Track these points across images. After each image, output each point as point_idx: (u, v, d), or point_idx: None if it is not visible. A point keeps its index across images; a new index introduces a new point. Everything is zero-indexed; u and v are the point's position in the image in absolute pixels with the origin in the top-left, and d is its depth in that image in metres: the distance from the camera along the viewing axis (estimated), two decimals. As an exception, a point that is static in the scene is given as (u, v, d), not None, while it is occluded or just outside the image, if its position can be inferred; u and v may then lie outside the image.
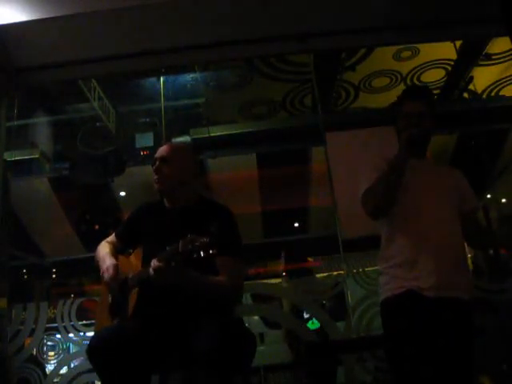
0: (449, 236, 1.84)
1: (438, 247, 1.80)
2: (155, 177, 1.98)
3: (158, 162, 1.98)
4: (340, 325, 2.98)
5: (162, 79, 4.13)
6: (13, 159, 4.05)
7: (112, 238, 2.12)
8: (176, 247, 1.58)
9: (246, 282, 3.07)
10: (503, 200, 7.62)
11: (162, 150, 2.03)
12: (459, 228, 1.90)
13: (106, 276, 1.85)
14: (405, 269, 1.81)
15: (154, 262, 1.64)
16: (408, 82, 5.63)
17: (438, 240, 1.81)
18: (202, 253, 1.53)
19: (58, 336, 3.14)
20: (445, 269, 1.77)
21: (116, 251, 2.06)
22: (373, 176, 1.90)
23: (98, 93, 5.20)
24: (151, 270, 1.65)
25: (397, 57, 5.08)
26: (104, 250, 2.03)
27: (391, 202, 1.85)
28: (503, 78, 5.70)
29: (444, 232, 1.83)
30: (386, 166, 1.88)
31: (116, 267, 1.86)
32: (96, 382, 3.09)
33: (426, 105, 1.96)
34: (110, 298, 1.91)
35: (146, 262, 1.77)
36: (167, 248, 1.65)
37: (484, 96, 5.93)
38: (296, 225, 9.14)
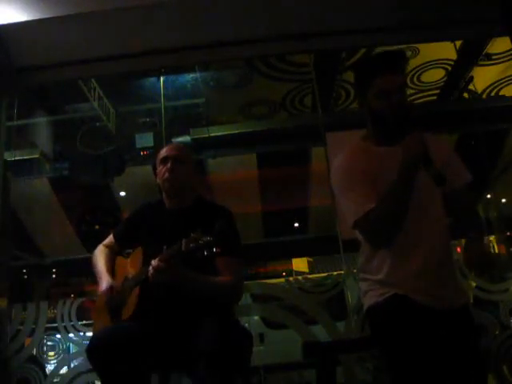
0: (436, 236, 1.58)
1: (424, 252, 1.55)
2: (167, 175, 1.94)
3: (171, 162, 1.95)
4: (340, 325, 2.97)
5: (162, 79, 4.12)
6: (13, 159, 4.04)
7: (110, 239, 2.11)
8: (179, 246, 1.58)
9: (245, 282, 3.07)
10: (503, 200, 7.63)
11: (173, 150, 2.00)
12: (446, 226, 1.63)
13: (106, 298, 1.87)
14: (388, 274, 1.56)
15: (155, 262, 1.64)
16: (408, 81, 5.63)
17: (423, 243, 1.55)
18: (205, 252, 1.53)
19: (58, 336, 3.13)
20: (431, 272, 1.54)
21: (113, 254, 2.06)
22: (357, 188, 1.56)
23: (98, 93, 5.20)
24: (151, 270, 1.65)
25: (397, 57, 5.06)
26: (100, 259, 2.02)
27: (404, 219, 1.51)
28: (503, 78, 5.70)
29: (430, 233, 1.57)
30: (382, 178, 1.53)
31: (111, 289, 1.87)
32: (96, 381, 3.09)
33: (404, 76, 1.63)
34: (109, 299, 1.91)
35: (146, 262, 1.76)
36: (164, 247, 1.65)
37: (484, 96, 5.93)
38: (296, 225, 9.15)
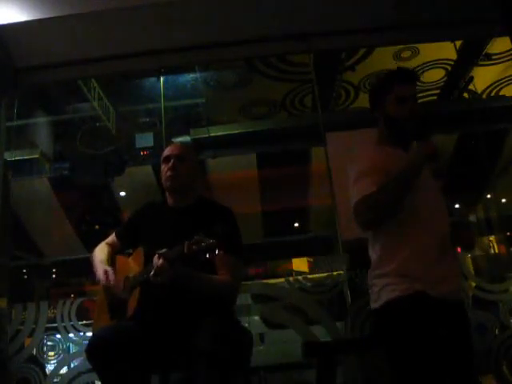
0: (446, 236, 1.74)
1: (440, 248, 1.68)
2: (169, 173, 1.96)
3: (173, 160, 1.97)
4: (340, 325, 2.97)
5: (162, 79, 4.12)
6: (13, 159, 4.04)
7: (112, 238, 2.12)
8: (181, 248, 1.58)
9: (245, 282, 3.07)
10: (503, 200, 7.62)
11: (175, 149, 2.03)
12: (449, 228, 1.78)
13: (102, 283, 1.87)
14: (408, 269, 1.65)
15: (157, 261, 1.64)
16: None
17: (438, 240, 1.69)
18: (208, 254, 1.53)
19: (58, 336, 3.14)
20: (447, 269, 1.68)
21: (115, 252, 2.06)
22: (369, 175, 1.69)
23: (98, 93, 5.20)
24: (154, 270, 1.64)
25: (397, 57, 5.07)
26: (99, 255, 2.03)
27: (398, 210, 1.65)
28: (503, 78, 5.69)
29: (442, 232, 1.73)
30: (392, 169, 1.65)
31: (106, 273, 1.87)
32: (96, 381, 3.09)
33: (416, 89, 1.82)
34: (109, 298, 1.91)
35: (148, 261, 1.76)
36: (165, 249, 1.64)
37: (484, 96, 5.93)
38: (296, 225, 9.14)
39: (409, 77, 1.84)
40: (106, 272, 1.87)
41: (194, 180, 2.03)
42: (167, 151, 2.03)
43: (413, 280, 1.63)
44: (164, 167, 1.99)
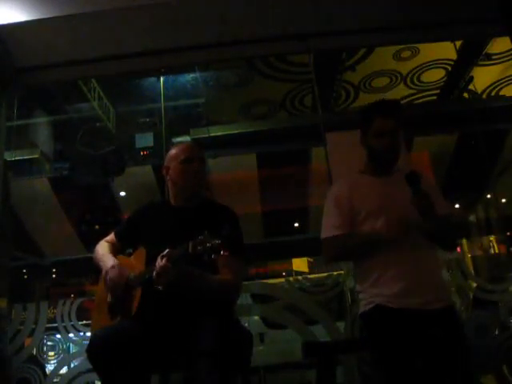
0: (416, 250, 1.81)
1: (403, 263, 1.79)
2: (197, 178, 1.94)
3: (198, 164, 1.94)
4: (340, 325, 2.97)
5: (162, 79, 4.13)
6: (13, 159, 4.04)
7: (111, 237, 2.11)
8: (186, 248, 1.57)
9: (245, 282, 3.07)
10: (503, 200, 7.62)
11: (197, 151, 1.99)
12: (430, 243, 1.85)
13: (111, 274, 1.84)
14: (372, 285, 1.83)
15: (161, 261, 1.63)
16: (408, 82, 5.64)
17: (402, 256, 1.79)
18: (213, 255, 1.52)
19: (58, 336, 3.14)
20: (407, 281, 1.77)
21: (115, 251, 2.05)
22: (335, 214, 1.89)
23: (98, 93, 5.21)
24: (157, 270, 1.64)
25: (397, 57, 5.08)
26: (103, 249, 2.02)
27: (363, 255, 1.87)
28: (503, 78, 5.70)
29: (416, 254, 1.80)
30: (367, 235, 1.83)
31: (118, 265, 1.86)
32: (96, 381, 3.09)
33: (397, 121, 1.89)
34: (110, 298, 1.91)
35: (150, 261, 1.76)
36: (168, 249, 1.64)
37: (484, 96, 5.93)
38: (296, 225, 9.14)
39: (389, 111, 1.91)
40: (117, 264, 1.86)
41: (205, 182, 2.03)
42: (188, 151, 1.96)
43: (378, 295, 1.80)
44: (186, 168, 1.93)
